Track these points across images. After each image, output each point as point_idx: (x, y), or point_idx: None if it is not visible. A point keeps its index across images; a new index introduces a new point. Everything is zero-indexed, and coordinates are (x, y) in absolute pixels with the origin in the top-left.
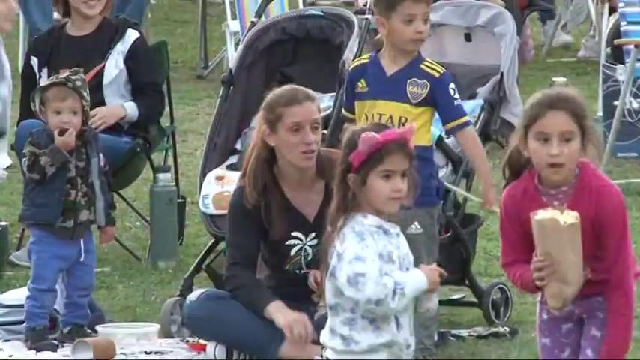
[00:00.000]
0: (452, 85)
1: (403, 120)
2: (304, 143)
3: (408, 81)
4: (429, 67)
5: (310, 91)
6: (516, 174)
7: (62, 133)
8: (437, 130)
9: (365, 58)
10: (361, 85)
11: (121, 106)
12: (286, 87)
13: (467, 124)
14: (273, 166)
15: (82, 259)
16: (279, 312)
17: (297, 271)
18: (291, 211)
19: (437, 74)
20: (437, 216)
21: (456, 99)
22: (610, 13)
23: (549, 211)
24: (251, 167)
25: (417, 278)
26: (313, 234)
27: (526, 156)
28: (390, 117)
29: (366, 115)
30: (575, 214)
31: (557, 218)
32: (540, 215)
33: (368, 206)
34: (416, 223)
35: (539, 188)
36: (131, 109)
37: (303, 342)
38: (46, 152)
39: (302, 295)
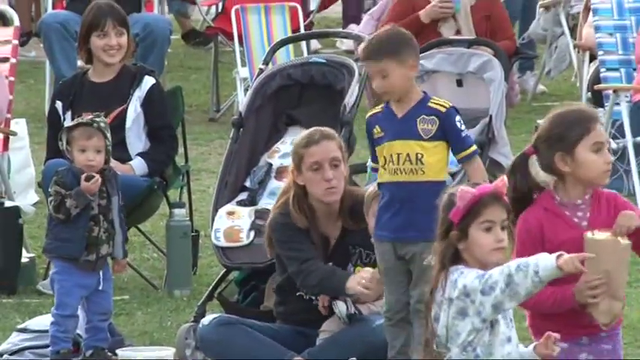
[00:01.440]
0: (458, 117)
1: (420, 156)
2: (325, 180)
3: (418, 119)
4: (435, 103)
5: (330, 131)
6: (522, 202)
7: (88, 179)
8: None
9: (378, 108)
10: (377, 132)
11: (129, 165)
12: (310, 129)
13: (475, 153)
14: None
15: (100, 287)
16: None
17: (309, 297)
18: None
19: (443, 109)
20: None
21: (462, 130)
22: (590, 61)
23: (602, 232)
24: (293, 200)
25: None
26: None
27: (538, 180)
28: (408, 155)
29: (384, 157)
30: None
31: (616, 238)
32: (598, 235)
33: (472, 261)
34: (431, 255)
35: (560, 204)
36: (139, 168)
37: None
38: (71, 194)
39: (310, 320)
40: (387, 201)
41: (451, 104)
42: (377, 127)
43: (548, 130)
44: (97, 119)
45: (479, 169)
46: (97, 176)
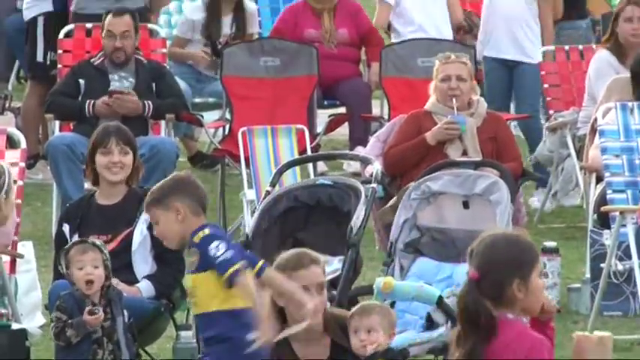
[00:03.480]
0: (213, 244)
1: (194, 289)
2: None
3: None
4: (196, 235)
5: (315, 255)
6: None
7: (91, 313)
8: (437, 289)
9: None
10: None
11: (136, 288)
12: (293, 252)
13: (235, 274)
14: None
15: None
16: None
17: None
18: None
19: (198, 240)
20: None
21: (218, 257)
22: (597, 182)
23: None
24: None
25: None
26: None
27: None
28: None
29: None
30: None
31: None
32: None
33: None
34: None
35: None
36: (146, 290)
37: None
38: (72, 324)
39: None
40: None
41: (208, 232)
42: None
43: (504, 254)
44: (91, 239)
45: (244, 292)
46: (100, 312)
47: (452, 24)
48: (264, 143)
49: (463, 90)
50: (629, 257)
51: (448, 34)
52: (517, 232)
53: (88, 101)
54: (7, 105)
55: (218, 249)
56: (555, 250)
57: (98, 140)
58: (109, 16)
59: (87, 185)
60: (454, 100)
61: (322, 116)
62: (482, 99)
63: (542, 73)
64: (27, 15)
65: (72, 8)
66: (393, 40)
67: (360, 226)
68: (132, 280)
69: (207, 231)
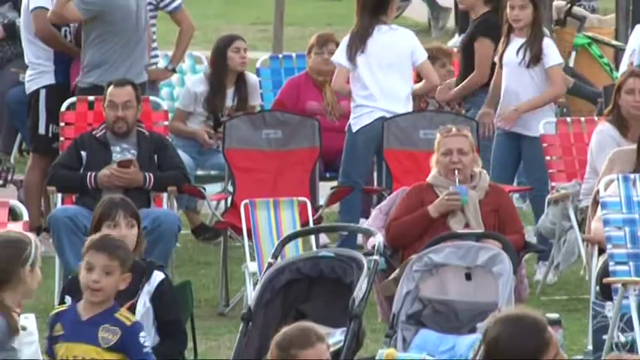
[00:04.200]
0: (143, 333)
1: None
2: None
3: (101, 327)
4: (122, 315)
5: (320, 331)
6: None
7: None
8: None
9: (64, 306)
10: (57, 329)
11: None
12: (297, 327)
13: None
14: None
15: None
16: None
17: None
18: None
19: (129, 323)
20: None
21: (145, 346)
22: (599, 254)
23: None
24: None
25: None
26: None
27: None
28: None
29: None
30: None
31: None
32: None
33: None
34: None
35: None
36: None
37: None
38: None
39: None
40: None
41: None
42: (58, 324)
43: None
44: None
45: None
46: None
47: (426, 88)
48: (267, 215)
49: (465, 163)
50: (632, 329)
51: (401, 104)
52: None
53: (89, 173)
54: (9, 177)
55: (146, 339)
56: (558, 321)
57: (104, 213)
58: (111, 87)
59: None
60: (456, 173)
61: (324, 188)
62: (484, 171)
63: (544, 145)
64: (29, 88)
65: (76, 82)
66: (351, 105)
67: (362, 298)
68: None
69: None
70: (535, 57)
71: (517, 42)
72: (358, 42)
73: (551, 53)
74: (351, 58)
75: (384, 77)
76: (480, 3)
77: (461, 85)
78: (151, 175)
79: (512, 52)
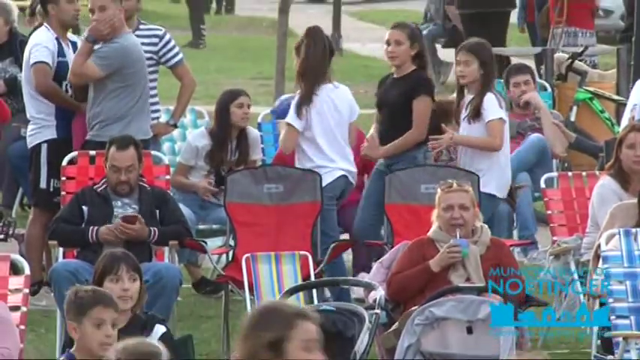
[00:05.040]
0: None
1: None
2: None
3: None
4: None
5: None
6: None
7: None
8: None
9: None
10: None
11: None
12: None
13: None
14: None
15: None
16: None
17: None
18: None
19: None
20: None
21: None
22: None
23: None
24: None
25: None
26: None
27: None
28: None
29: None
30: None
31: None
32: None
33: None
34: None
35: None
36: None
37: None
38: None
39: None
40: None
41: None
42: None
43: None
44: None
45: None
46: None
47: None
48: (268, 269)
49: (466, 219)
50: None
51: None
52: None
53: (91, 228)
54: (10, 232)
55: None
56: None
57: (107, 267)
58: (113, 149)
59: None
60: (457, 229)
61: None
62: (485, 226)
63: (546, 199)
64: (31, 142)
65: (91, 136)
66: (299, 165)
67: (363, 351)
68: None
69: None
70: (474, 111)
71: (467, 98)
72: (308, 104)
73: (491, 107)
74: (302, 118)
75: (334, 138)
76: (409, 61)
77: (399, 140)
78: (155, 229)
79: (463, 107)
